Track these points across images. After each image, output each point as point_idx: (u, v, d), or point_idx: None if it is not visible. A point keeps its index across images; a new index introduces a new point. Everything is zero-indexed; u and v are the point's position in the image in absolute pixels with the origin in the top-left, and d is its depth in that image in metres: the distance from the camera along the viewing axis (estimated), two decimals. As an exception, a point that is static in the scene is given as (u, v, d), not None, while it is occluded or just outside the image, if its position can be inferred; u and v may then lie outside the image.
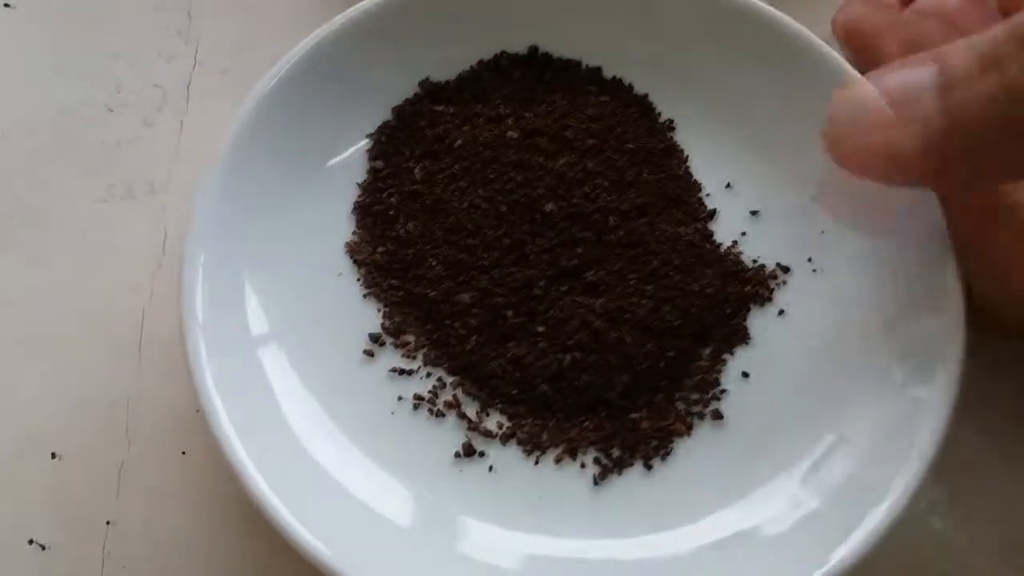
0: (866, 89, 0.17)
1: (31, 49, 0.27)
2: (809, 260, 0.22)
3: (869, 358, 0.19)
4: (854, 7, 0.24)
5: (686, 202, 0.23)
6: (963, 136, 0.16)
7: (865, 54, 0.23)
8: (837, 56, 0.22)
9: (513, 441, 0.20)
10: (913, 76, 0.16)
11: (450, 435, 0.20)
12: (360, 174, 0.23)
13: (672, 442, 0.20)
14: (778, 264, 0.22)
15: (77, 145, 0.26)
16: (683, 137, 0.24)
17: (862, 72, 0.22)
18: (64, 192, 0.25)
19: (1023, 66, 0.15)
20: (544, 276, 0.21)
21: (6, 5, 0.28)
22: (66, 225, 0.25)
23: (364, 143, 0.23)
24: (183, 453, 0.22)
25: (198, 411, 0.19)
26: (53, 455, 0.22)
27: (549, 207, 0.22)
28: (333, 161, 0.23)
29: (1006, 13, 0.23)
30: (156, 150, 0.26)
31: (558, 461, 0.20)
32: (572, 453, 0.20)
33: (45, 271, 0.24)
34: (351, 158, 0.23)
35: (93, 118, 0.26)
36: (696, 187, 0.23)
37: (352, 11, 0.22)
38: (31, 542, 0.21)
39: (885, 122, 0.17)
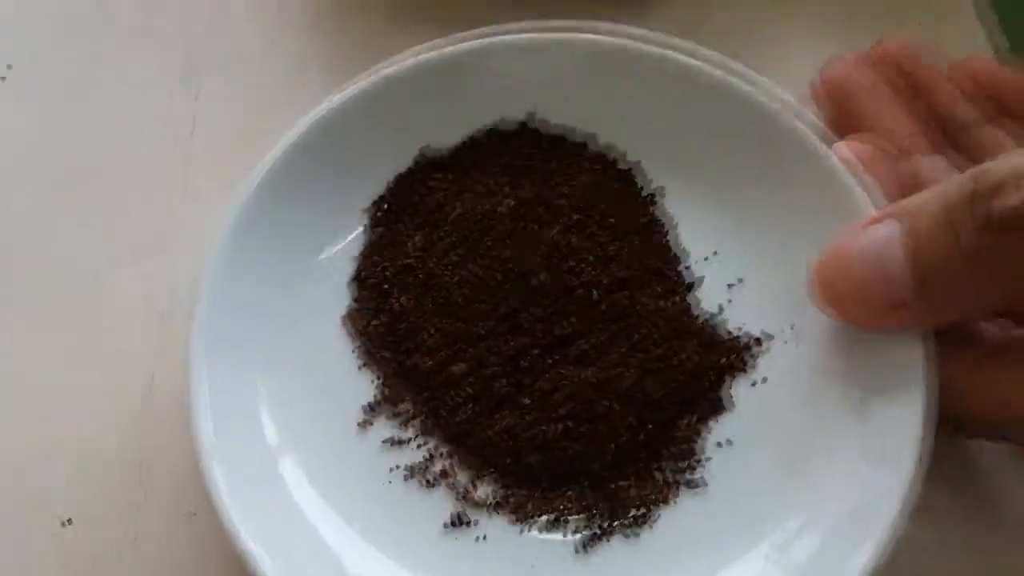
0: (842, 248, 0.19)
1: (30, 116, 0.28)
2: (792, 327, 0.23)
3: (840, 436, 0.20)
4: (839, 66, 0.25)
5: (666, 275, 0.24)
6: (931, 289, 0.18)
7: (845, 114, 0.24)
8: (812, 134, 0.22)
9: (502, 510, 0.21)
10: (883, 234, 0.18)
11: (441, 504, 0.21)
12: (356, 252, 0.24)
13: (654, 511, 0.21)
14: (761, 331, 0.23)
15: (78, 208, 0.27)
16: (670, 204, 0.25)
17: (840, 134, 0.23)
18: (65, 255, 0.26)
19: (975, 229, 0.16)
20: (534, 347, 0.22)
21: (2, 79, 0.29)
22: (68, 287, 0.26)
23: (359, 232, 0.24)
24: (193, 514, 0.23)
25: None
26: (63, 523, 0.23)
27: (541, 278, 0.23)
28: (332, 249, 0.24)
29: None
30: (156, 214, 0.27)
31: (545, 530, 0.21)
32: (558, 522, 0.21)
33: (49, 332, 0.25)
34: (350, 243, 0.24)
35: (93, 183, 0.27)
36: (676, 260, 0.24)
37: (350, 89, 0.24)
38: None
39: (861, 282, 0.18)
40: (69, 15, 0.30)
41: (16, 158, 0.28)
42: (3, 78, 0.29)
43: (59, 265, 0.26)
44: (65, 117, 0.28)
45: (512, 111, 0.25)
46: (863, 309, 0.19)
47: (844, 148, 0.22)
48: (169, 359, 0.24)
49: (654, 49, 0.24)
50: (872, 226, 0.19)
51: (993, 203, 0.17)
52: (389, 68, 0.24)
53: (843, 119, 0.24)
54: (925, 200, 0.18)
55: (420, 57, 0.24)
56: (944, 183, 0.18)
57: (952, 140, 0.24)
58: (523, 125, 0.25)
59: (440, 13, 0.28)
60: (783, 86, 0.24)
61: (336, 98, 0.24)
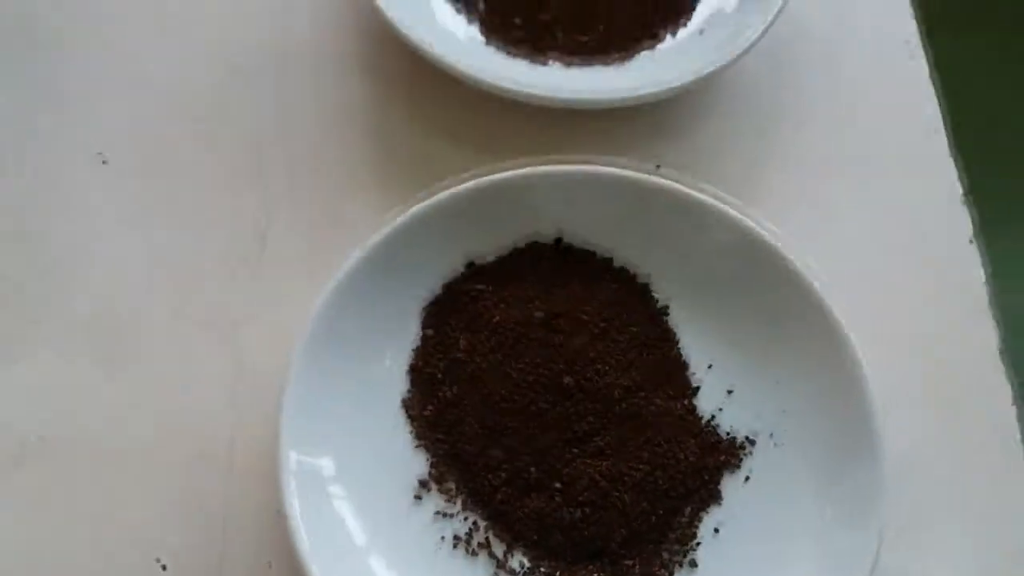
0: None
1: (126, 198, 0.32)
2: (771, 435, 0.27)
3: (807, 537, 0.25)
4: None
5: (675, 380, 0.28)
6: None
7: None
8: (801, 270, 0.27)
9: (532, 579, 0.26)
10: None
11: (481, 571, 0.26)
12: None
13: (658, 586, 0.26)
14: (747, 437, 0.28)
15: (167, 287, 0.31)
16: (675, 320, 0.29)
17: None
18: (159, 322, 0.30)
19: None
20: (561, 440, 0.27)
21: (103, 160, 0.33)
22: (160, 358, 0.30)
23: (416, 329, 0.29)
24: (269, 565, 0.27)
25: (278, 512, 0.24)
26: (161, 565, 0.27)
27: (566, 381, 0.27)
28: (394, 343, 0.28)
29: None
30: (237, 294, 0.31)
31: (567, 599, 0.26)
32: (579, 591, 0.26)
33: (147, 396, 0.29)
34: (408, 339, 0.28)
35: (179, 266, 0.31)
36: (684, 367, 0.29)
37: (412, 209, 0.28)
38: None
39: None
40: (156, 111, 0.34)
41: (111, 236, 0.32)
42: (105, 161, 0.33)
43: (153, 338, 0.30)
44: (154, 201, 0.32)
45: (546, 230, 0.30)
46: None
47: None
48: (247, 423, 0.29)
49: (664, 183, 0.28)
50: None
51: None
52: (445, 191, 0.28)
53: None
54: None
55: (471, 183, 0.28)
56: None
57: None
58: (557, 241, 0.30)
59: (489, 142, 0.32)
60: (775, 221, 0.29)
61: (400, 218, 0.28)
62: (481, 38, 0.33)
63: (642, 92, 0.30)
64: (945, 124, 0.34)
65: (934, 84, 0.35)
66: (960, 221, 0.33)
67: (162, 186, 0.32)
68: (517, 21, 0.33)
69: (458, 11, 0.34)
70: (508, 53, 0.33)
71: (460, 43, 0.33)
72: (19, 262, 0.31)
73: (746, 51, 0.30)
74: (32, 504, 0.28)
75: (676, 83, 0.30)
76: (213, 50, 0.34)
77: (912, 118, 0.34)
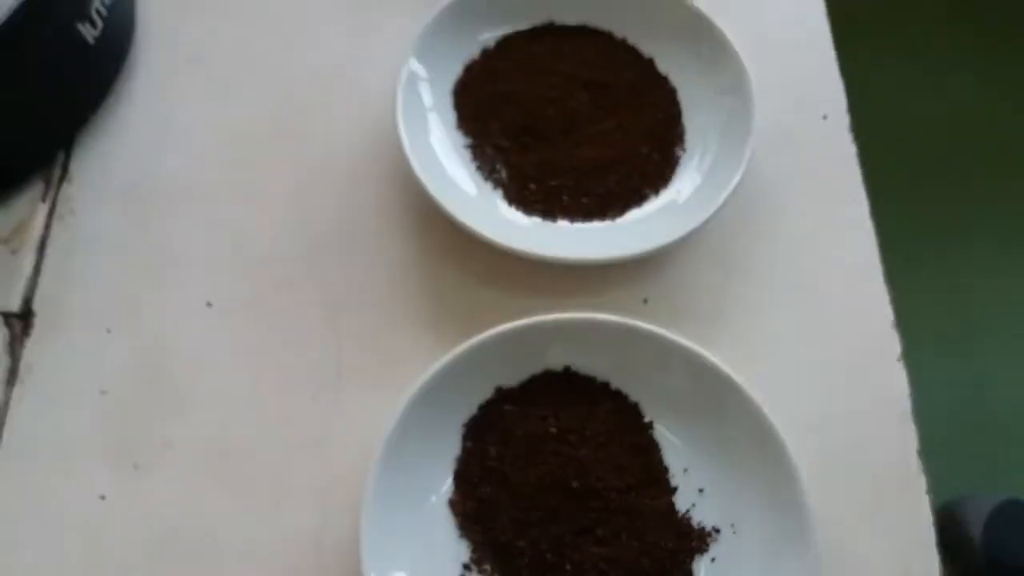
0: None
1: (229, 339, 0.41)
2: (732, 526, 0.36)
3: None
4: None
5: (658, 482, 0.37)
6: None
7: None
8: (761, 407, 0.35)
9: (550, 642, 0.34)
10: None
11: (513, 635, 0.34)
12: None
13: (643, 646, 0.34)
14: (713, 526, 0.36)
15: (263, 411, 0.40)
16: (658, 434, 0.38)
17: None
18: (259, 441, 0.39)
19: None
20: (570, 531, 0.35)
21: (208, 305, 0.42)
22: (262, 465, 0.39)
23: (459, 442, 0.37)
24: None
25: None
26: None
27: (574, 484, 0.36)
28: (444, 453, 0.37)
29: None
30: (319, 416, 0.40)
31: (576, 655, 0.34)
32: (585, 649, 0.34)
33: (248, 497, 0.38)
34: (455, 449, 0.37)
35: (272, 392, 0.40)
36: (665, 471, 0.37)
37: (456, 351, 0.36)
38: None
39: None
40: (252, 268, 0.43)
41: (220, 371, 0.40)
42: (210, 304, 0.42)
43: (256, 455, 0.39)
44: (252, 342, 0.41)
45: (557, 362, 0.38)
46: None
47: None
48: (333, 521, 0.37)
49: (647, 328, 0.37)
50: None
51: None
52: (479, 337, 0.37)
53: None
54: None
55: (499, 329, 0.37)
56: None
57: None
58: (566, 370, 0.38)
59: (515, 287, 0.41)
60: (732, 344, 0.38)
61: (445, 358, 0.37)
62: (504, 202, 0.42)
63: (632, 252, 0.39)
64: (880, 260, 0.43)
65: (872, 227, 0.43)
66: (891, 343, 0.41)
67: (258, 329, 0.41)
68: (532, 187, 0.42)
69: (485, 179, 0.43)
70: (525, 212, 0.42)
71: (487, 209, 0.41)
72: (152, 394, 0.40)
73: (712, 217, 0.39)
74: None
75: (661, 243, 0.39)
76: (297, 220, 0.43)
77: (851, 258, 0.43)
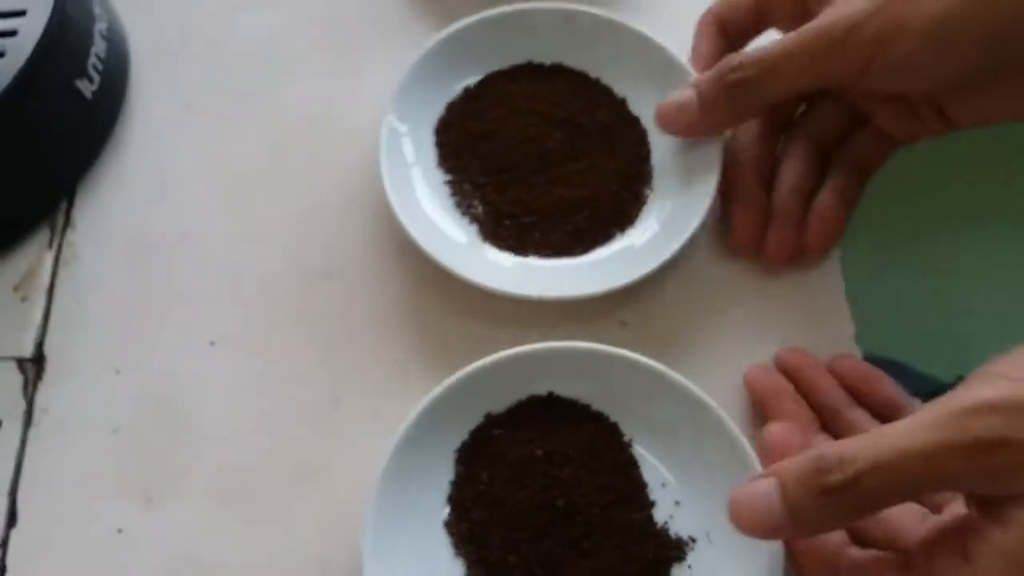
0: (744, 493, 0.33)
1: (233, 372, 0.44)
2: (707, 535, 0.39)
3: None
4: (754, 372, 0.41)
5: (637, 498, 0.39)
6: (797, 521, 0.31)
7: (761, 404, 0.41)
8: (729, 421, 0.38)
9: (541, 649, 0.37)
10: (767, 485, 0.31)
11: (506, 644, 0.37)
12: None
13: (627, 649, 0.37)
14: (689, 536, 0.39)
15: (266, 443, 0.42)
16: (638, 452, 0.40)
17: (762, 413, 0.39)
18: (263, 472, 0.42)
19: (816, 491, 0.31)
20: (558, 546, 0.38)
21: (211, 343, 0.45)
22: (267, 494, 0.41)
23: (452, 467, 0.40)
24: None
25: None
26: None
27: (560, 502, 0.39)
28: (438, 478, 0.40)
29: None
30: (319, 446, 0.42)
31: (566, 661, 0.37)
32: (573, 655, 0.37)
33: (254, 524, 0.40)
34: (448, 475, 0.40)
35: (275, 422, 0.43)
36: (644, 486, 0.40)
37: (448, 382, 0.39)
38: None
39: (758, 515, 0.32)
40: (252, 305, 0.45)
41: (224, 405, 0.43)
42: (213, 343, 0.45)
43: (261, 485, 0.41)
44: (253, 377, 0.44)
45: (541, 388, 0.41)
46: (759, 531, 0.32)
47: (776, 426, 0.38)
48: (337, 545, 0.40)
49: (621, 353, 0.40)
50: (765, 482, 0.32)
51: (825, 479, 0.30)
52: (468, 368, 0.40)
53: (761, 408, 0.40)
54: (795, 469, 0.31)
55: (486, 360, 0.40)
56: (802, 456, 0.31)
57: (827, 424, 0.40)
58: (550, 395, 0.41)
59: (495, 318, 0.44)
60: (702, 368, 0.41)
61: (438, 388, 0.39)
62: (479, 237, 0.45)
63: (605, 288, 0.41)
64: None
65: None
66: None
67: (258, 365, 0.44)
68: (507, 223, 0.45)
69: (463, 215, 0.45)
70: (499, 248, 0.44)
71: (463, 247, 0.44)
72: (161, 430, 0.42)
73: (675, 255, 0.42)
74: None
75: (629, 279, 0.41)
76: (291, 261, 0.46)
77: (814, 278, 0.45)
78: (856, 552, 0.34)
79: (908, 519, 0.34)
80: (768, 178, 0.44)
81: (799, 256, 0.44)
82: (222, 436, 0.42)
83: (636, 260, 0.43)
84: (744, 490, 0.33)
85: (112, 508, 0.41)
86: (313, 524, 0.40)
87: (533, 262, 0.44)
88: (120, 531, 0.40)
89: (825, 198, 0.43)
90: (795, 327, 0.44)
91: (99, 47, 0.46)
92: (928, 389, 0.89)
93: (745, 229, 0.44)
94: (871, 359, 0.43)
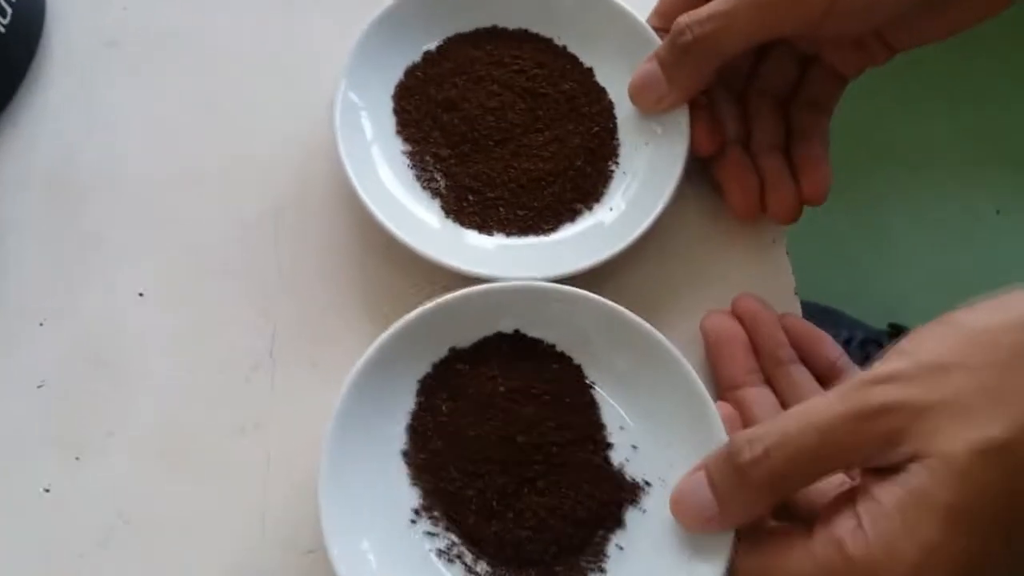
0: (680, 489, 0.35)
1: (164, 324, 0.42)
2: (662, 480, 0.39)
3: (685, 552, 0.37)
4: (712, 318, 0.42)
5: (595, 439, 0.40)
6: (725, 508, 0.33)
7: (715, 349, 0.41)
8: (691, 370, 0.39)
9: (492, 580, 0.38)
10: (697, 479, 0.34)
11: (457, 574, 0.37)
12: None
13: (577, 586, 0.38)
14: (644, 479, 0.40)
15: (201, 396, 0.41)
16: (598, 395, 0.41)
17: (714, 366, 0.40)
18: (200, 426, 0.40)
19: (732, 474, 0.32)
20: (514, 481, 0.38)
21: (140, 295, 0.43)
22: (205, 449, 0.40)
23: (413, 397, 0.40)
24: (310, 552, 0.38)
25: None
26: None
27: (520, 439, 0.39)
28: (398, 408, 0.39)
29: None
30: (255, 398, 0.41)
31: (516, 593, 0.38)
32: (523, 588, 0.38)
33: (194, 479, 0.39)
34: (408, 405, 0.40)
35: (209, 376, 0.41)
36: (602, 427, 0.40)
37: (412, 314, 0.39)
38: None
39: (690, 507, 0.35)
40: (182, 255, 0.43)
41: (156, 359, 0.41)
42: (142, 294, 0.43)
43: (198, 439, 0.40)
44: (185, 329, 0.42)
45: (507, 326, 0.41)
46: (694, 522, 0.35)
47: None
48: (275, 497, 0.39)
49: (591, 296, 0.40)
50: (695, 474, 0.34)
51: (737, 460, 0.32)
52: (438, 300, 0.39)
53: (713, 352, 0.41)
54: (714, 457, 0.34)
55: (457, 293, 0.39)
56: (722, 447, 0.33)
57: (771, 374, 0.41)
58: (516, 332, 0.41)
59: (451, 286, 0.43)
60: (675, 328, 0.41)
61: (405, 318, 0.39)
62: (441, 211, 0.43)
63: (570, 270, 0.41)
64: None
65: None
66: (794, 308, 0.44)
67: (192, 317, 0.42)
68: (470, 198, 0.43)
69: (423, 188, 0.44)
70: (462, 224, 0.43)
71: (425, 224, 0.43)
72: (89, 385, 0.40)
73: (640, 236, 0.41)
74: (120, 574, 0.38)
75: (594, 261, 0.41)
76: (227, 207, 0.44)
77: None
78: (771, 523, 0.35)
79: (825, 490, 0.35)
80: (747, 144, 0.44)
81: (800, 212, 0.44)
82: (154, 391, 0.41)
83: (603, 241, 0.42)
84: (680, 485, 0.35)
85: (39, 467, 0.39)
86: (251, 478, 0.39)
87: (498, 240, 0.43)
88: (47, 490, 0.39)
89: (803, 147, 0.44)
90: (741, 280, 0.45)
91: None
92: (862, 336, 0.93)
93: (745, 202, 0.44)
94: (809, 306, 0.44)
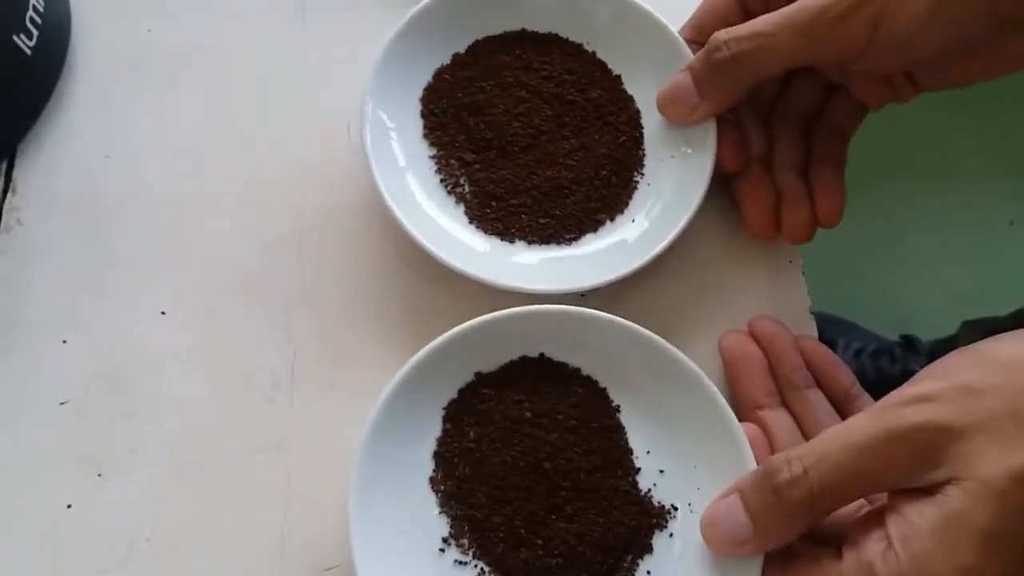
0: (713, 512, 0.35)
1: (185, 342, 0.42)
2: (689, 504, 0.39)
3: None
4: (730, 338, 0.42)
5: (622, 464, 0.40)
6: (760, 530, 0.33)
7: (732, 369, 0.41)
8: (718, 393, 0.39)
9: (522, 609, 0.37)
10: (731, 502, 0.34)
11: (487, 602, 0.37)
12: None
13: (607, 612, 0.37)
14: (672, 505, 0.39)
15: (222, 415, 0.41)
16: (624, 418, 0.41)
17: (732, 386, 0.40)
18: (222, 445, 0.40)
19: (769, 494, 0.33)
20: (542, 508, 0.38)
21: (162, 313, 0.43)
22: (225, 468, 0.40)
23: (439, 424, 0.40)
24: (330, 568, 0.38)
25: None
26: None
27: (546, 465, 0.39)
28: (424, 434, 0.39)
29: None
30: (277, 417, 0.41)
31: (546, 621, 0.37)
32: (554, 616, 0.37)
33: (214, 499, 0.39)
34: (434, 431, 0.40)
35: (230, 395, 0.41)
36: (630, 452, 0.40)
37: (434, 344, 0.39)
38: None
39: (724, 531, 0.34)
40: (204, 274, 0.43)
41: (178, 377, 0.41)
42: (164, 313, 0.43)
43: (219, 459, 0.40)
44: (206, 347, 0.42)
45: (532, 350, 0.41)
46: (728, 546, 0.34)
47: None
48: (295, 517, 0.39)
49: (617, 320, 0.40)
50: (727, 498, 0.35)
51: (775, 479, 0.32)
52: (461, 327, 0.39)
53: (731, 372, 0.41)
54: (749, 479, 0.34)
55: (481, 319, 0.39)
56: (758, 469, 0.34)
57: (787, 397, 0.41)
58: (541, 356, 0.41)
59: (479, 293, 0.43)
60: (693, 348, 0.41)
61: (434, 342, 0.39)
62: (465, 218, 0.43)
63: (589, 284, 0.41)
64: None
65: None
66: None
67: (213, 335, 0.42)
68: (493, 204, 0.43)
69: (448, 194, 0.44)
70: (485, 232, 0.43)
71: (449, 232, 0.42)
72: (111, 403, 0.40)
73: (660, 252, 0.41)
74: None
75: (615, 276, 0.41)
76: (248, 225, 0.44)
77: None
78: (798, 545, 0.34)
79: (848, 512, 0.35)
80: (768, 164, 0.44)
81: (813, 233, 0.43)
82: (175, 409, 0.41)
83: (627, 254, 0.42)
84: (712, 509, 0.35)
85: (61, 483, 0.39)
86: (272, 497, 0.39)
87: (520, 250, 0.43)
88: (70, 507, 0.39)
89: (821, 170, 0.44)
90: (757, 298, 0.45)
91: (37, 1, 0.43)
92: (874, 346, 0.92)
93: (761, 221, 0.44)
94: (822, 316, 0.44)
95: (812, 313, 0.44)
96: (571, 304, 0.40)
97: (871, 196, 1.16)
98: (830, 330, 0.90)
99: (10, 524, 0.38)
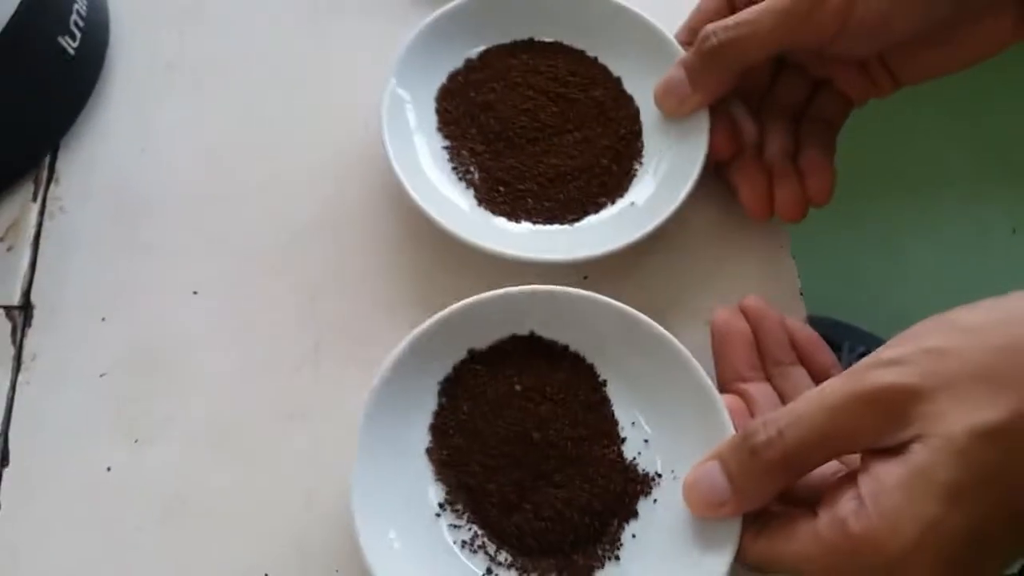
0: (693, 476, 0.37)
1: (216, 320, 0.45)
2: (672, 471, 0.41)
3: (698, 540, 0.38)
4: (720, 315, 0.44)
5: (608, 434, 0.42)
6: (739, 491, 0.35)
7: (721, 345, 0.43)
8: (699, 367, 0.40)
9: (514, 568, 0.39)
10: (711, 466, 0.36)
11: (480, 563, 0.39)
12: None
13: (593, 572, 0.39)
14: (656, 471, 0.41)
15: (250, 387, 0.44)
16: (611, 391, 0.43)
17: (718, 360, 0.42)
18: (251, 414, 0.43)
19: (747, 456, 0.34)
20: (531, 476, 0.40)
21: (194, 293, 0.46)
22: (256, 435, 0.43)
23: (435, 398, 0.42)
24: (336, 571, 0.40)
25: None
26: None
27: (535, 436, 0.41)
28: (421, 408, 0.42)
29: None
30: (302, 389, 0.44)
31: (536, 580, 0.39)
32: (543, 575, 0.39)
33: (245, 464, 0.42)
34: (431, 405, 0.42)
35: (259, 368, 0.44)
36: (615, 423, 0.42)
37: (432, 319, 0.41)
38: None
39: (704, 493, 0.36)
40: (235, 258, 0.47)
41: (210, 353, 0.44)
42: (196, 293, 0.46)
43: (249, 426, 0.43)
44: (237, 325, 0.45)
45: (522, 328, 0.43)
46: (707, 507, 0.36)
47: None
48: (321, 481, 0.42)
49: (601, 299, 0.42)
50: (707, 463, 0.36)
51: (752, 441, 0.34)
52: (454, 306, 0.42)
53: (719, 346, 0.43)
54: (727, 444, 0.36)
55: (470, 300, 0.42)
56: (737, 434, 0.36)
57: (771, 372, 0.43)
58: (531, 335, 0.43)
59: (481, 273, 0.45)
60: (685, 327, 0.43)
61: (427, 322, 0.41)
62: (474, 201, 0.47)
63: (590, 254, 0.43)
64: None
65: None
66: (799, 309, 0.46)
67: (242, 314, 0.45)
68: (501, 189, 0.47)
69: (459, 179, 0.47)
70: (493, 213, 0.46)
71: (458, 208, 0.46)
72: (147, 375, 0.43)
73: (657, 227, 0.44)
74: (177, 550, 0.40)
75: (614, 247, 0.44)
76: (275, 213, 0.47)
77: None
78: (775, 507, 0.36)
79: (824, 475, 0.37)
80: (760, 153, 0.48)
81: (805, 211, 0.46)
82: (207, 381, 0.44)
83: (625, 229, 0.45)
84: (693, 472, 0.37)
85: (100, 448, 0.42)
86: (298, 461, 0.42)
87: (525, 226, 0.47)
88: (109, 469, 0.42)
89: (810, 153, 0.47)
90: (748, 281, 0.47)
91: (81, 4, 0.47)
92: (866, 346, 0.93)
93: (755, 200, 0.46)
94: (822, 321, 0.46)
95: (818, 317, 0.46)
96: (574, 286, 0.42)
97: (871, 200, 1.18)
98: (835, 333, 0.91)
99: (53, 484, 0.41)
